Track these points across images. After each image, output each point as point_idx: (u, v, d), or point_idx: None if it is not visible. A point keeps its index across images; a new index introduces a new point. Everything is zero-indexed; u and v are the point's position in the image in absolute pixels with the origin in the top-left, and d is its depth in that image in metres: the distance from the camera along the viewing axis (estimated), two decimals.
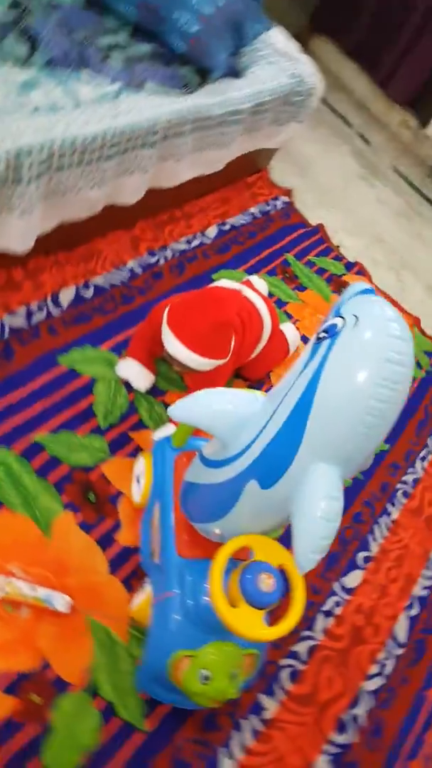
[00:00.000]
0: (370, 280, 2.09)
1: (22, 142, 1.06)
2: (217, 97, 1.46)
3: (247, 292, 1.39)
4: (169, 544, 0.98)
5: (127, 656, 1.03)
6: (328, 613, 1.27)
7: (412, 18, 2.53)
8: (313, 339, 0.72)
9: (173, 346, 1.14)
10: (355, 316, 0.67)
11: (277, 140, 1.86)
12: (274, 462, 0.74)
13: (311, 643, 1.21)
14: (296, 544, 0.69)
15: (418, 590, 1.43)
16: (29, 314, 1.35)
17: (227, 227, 1.87)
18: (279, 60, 1.69)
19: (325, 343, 0.69)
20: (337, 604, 1.30)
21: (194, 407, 0.84)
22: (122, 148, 1.27)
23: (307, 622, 1.24)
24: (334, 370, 0.67)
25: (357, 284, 0.76)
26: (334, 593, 1.31)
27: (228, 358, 1.22)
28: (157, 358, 1.43)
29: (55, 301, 1.40)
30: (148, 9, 1.37)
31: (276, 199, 2.08)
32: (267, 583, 0.77)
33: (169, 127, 1.35)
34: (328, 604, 1.29)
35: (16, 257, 1.32)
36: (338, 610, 1.29)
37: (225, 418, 0.81)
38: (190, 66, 1.43)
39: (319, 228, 2.11)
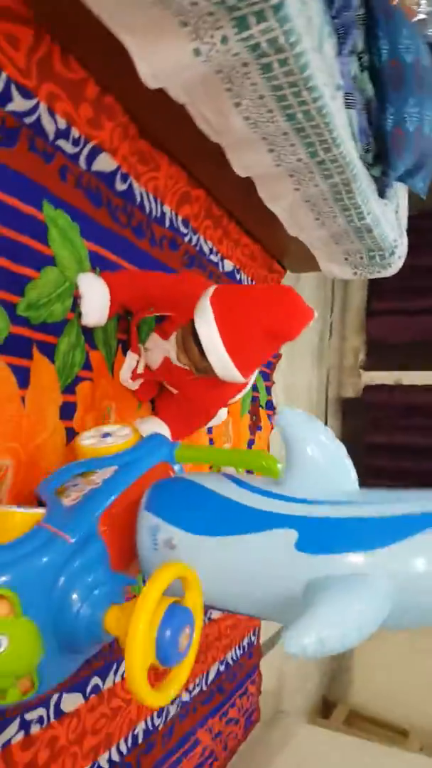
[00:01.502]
0: (271, 429, 2.00)
1: None
2: (365, 186, 1.34)
3: None
4: (95, 508, 0.76)
5: None
6: (24, 726, 0.91)
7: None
8: None
9: (207, 330, 0.89)
10: None
11: (329, 266, 1.79)
12: (340, 537, 0.62)
13: None
14: (307, 619, 0.56)
15: (104, 758, 1.12)
16: (59, 136, 0.95)
17: (233, 273, 1.68)
18: (395, 223, 1.66)
19: None
20: (40, 721, 0.94)
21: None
22: (307, 130, 1.05)
23: None
24: None
25: None
26: (45, 704, 0.96)
27: (246, 380, 0.97)
28: (120, 315, 1.10)
29: (89, 161, 1.02)
30: (400, 73, 1.25)
31: None
32: (184, 643, 0.61)
33: (334, 160, 1.16)
34: (32, 714, 0.93)
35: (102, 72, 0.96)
36: (35, 729, 0.93)
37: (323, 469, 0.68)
38: (376, 144, 1.31)
39: (278, 355, 2.02)
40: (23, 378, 0.89)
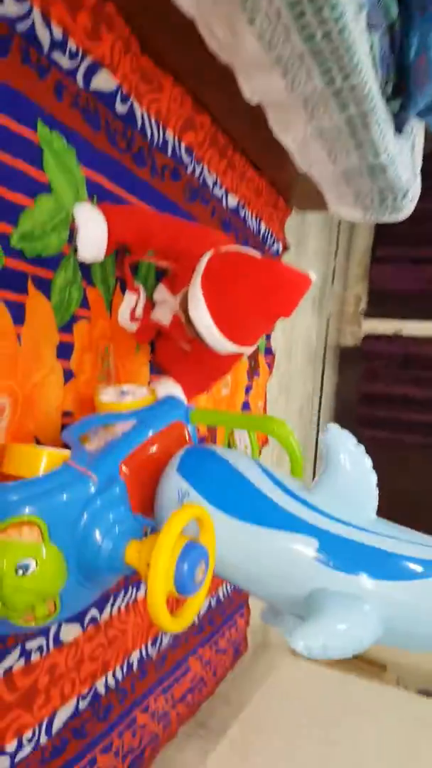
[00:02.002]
0: (269, 375, 1.98)
1: None
2: (382, 121, 1.26)
3: None
4: (118, 454, 0.84)
5: None
6: (25, 654, 0.93)
7: None
8: None
9: (199, 316, 0.88)
10: None
11: (337, 207, 1.71)
12: (355, 560, 0.68)
13: None
14: (317, 625, 0.63)
15: (101, 684, 1.17)
16: (54, 47, 0.87)
17: (237, 209, 1.61)
18: (410, 163, 1.57)
19: None
20: (40, 650, 0.96)
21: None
22: (325, 53, 0.96)
23: None
24: None
25: None
26: (44, 634, 0.98)
27: (253, 347, 0.96)
28: (119, 251, 1.05)
29: (87, 79, 0.94)
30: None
31: (276, 242, 1.90)
32: (199, 576, 0.68)
33: (352, 89, 1.08)
34: (31, 644, 0.94)
35: None
36: (35, 657, 0.95)
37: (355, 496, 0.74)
38: (397, 75, 1.22)
39: None
40: (18, 314, 0.85)
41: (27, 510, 0.69)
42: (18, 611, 0.68)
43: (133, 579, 1.26)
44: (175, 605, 0.75)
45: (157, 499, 0.86)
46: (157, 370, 1.22)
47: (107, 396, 1.00)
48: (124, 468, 0.83)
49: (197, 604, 0.71)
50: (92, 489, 0.75)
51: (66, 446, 0.84)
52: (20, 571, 0.66)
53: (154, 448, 0.91)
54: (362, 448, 0.75)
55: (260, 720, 1.76)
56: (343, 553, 0.69)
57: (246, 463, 0.84)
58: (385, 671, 2.58)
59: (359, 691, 2.04)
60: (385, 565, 0.67)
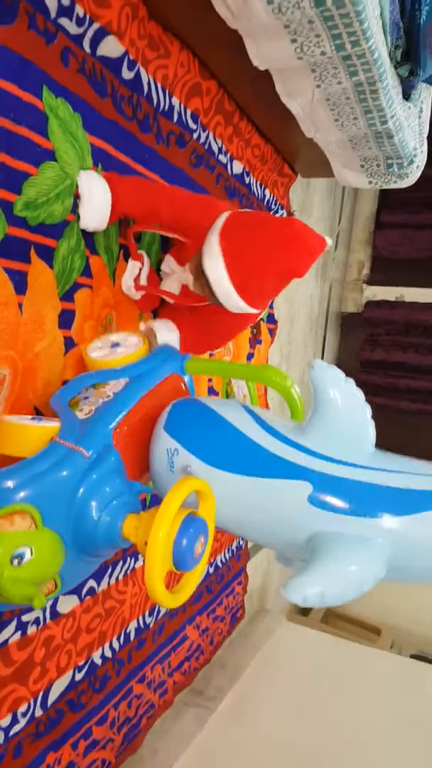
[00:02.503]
0: (270, 343, 1.99)
1: None
2: (390, 87, 1.23)
3: None
4: (109, 421, 0.79)
5: None
6: (21, 627, 0.96)
7: None
8: None
9: (215, 270, 0.87)
10: None
11: (343, 173, 1.68)
12: (353, 499, 0.64)
13: None
14: (314, 573, 0.60)
15: (97, 655, 1.20)
16: (61, 13, 0.83)
17: (243, 176, 1.58)
18: (417, 130, 1.55)
19: None
20: (36, 622, 0.99)
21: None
22: (336, 18, 0.94)
23: None
24: None
25: None
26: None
27: (260, 311, 0.96)
28: (123, 220, 1.04)
29: (94, 45, 0.92)
30: None
31: (281, 208, 1.88)
32: (198, 550, 0.66)
33: (361, 55, 1.06)
34: (27, 616, 0.97)
35: None
36: (32, 630, 0.98)
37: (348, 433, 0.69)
38: (406, 39, 1.19)
39: None
40: (20, 283, 0.85)
41: (16, 498, 0.66)
42: (17, 602, 0.65)
43: (132, 549, 1.28)
44: (173, 577, 0.76)
45: (150, 461, 0.82)
46: None
47: (97, 351, 0.93)
48: (117, 435, 0.78)
49: (196, 578, 0.70)
50: (85, 465, 0.72)
51: None
52: (15, 561, 0.63)
53: (148, 407, 0.85)
54: (352, 381, 0.70)
55: (256, 686, 1.78)
56: (340, 494, 0.65)
57: (233, 411, 0.79)
58: (380, 636, 2.64)
59: (354, 655, 2.07)
60: (385, 501, 0.63)
